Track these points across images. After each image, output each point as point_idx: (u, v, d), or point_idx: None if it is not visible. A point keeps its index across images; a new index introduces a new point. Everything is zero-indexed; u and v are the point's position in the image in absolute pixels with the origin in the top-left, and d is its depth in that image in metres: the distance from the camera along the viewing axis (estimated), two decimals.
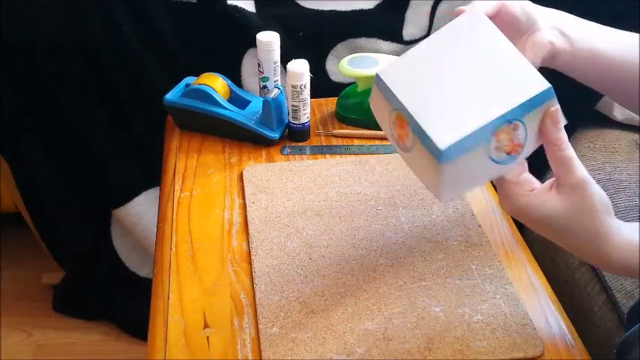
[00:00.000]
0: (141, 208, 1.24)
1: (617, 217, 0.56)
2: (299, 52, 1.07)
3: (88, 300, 1.40)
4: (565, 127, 0.58)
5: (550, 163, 0.57)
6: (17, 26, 1.11)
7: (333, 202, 0.82)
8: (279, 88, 0.94)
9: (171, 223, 0.80)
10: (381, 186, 0.85)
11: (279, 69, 0.97)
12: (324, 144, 0.95)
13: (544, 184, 0.57)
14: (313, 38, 1.21)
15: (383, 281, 0.71)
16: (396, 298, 0.69)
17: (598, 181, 0.57)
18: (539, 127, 0.56)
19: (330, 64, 1.23)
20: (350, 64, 0.96)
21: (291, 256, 0.74)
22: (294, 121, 0.93)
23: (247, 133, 0.93)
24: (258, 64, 0.96)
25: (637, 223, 0.57)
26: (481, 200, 0.84)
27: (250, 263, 0.74)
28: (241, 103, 0.96)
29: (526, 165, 0.60)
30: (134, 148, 1.21)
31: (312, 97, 0.94)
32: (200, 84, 0.94)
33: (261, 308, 0.68)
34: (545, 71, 0.62)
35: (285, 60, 0.94)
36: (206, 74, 0.96)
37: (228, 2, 1.17)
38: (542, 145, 0.58)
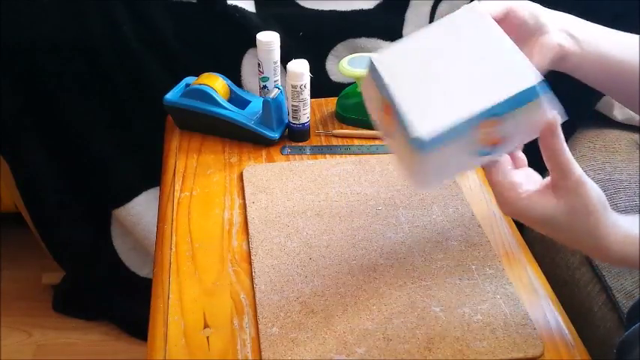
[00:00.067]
0: (141, 208, 1.24)
1: None
2: (299, 52, 1.07)
3: (88, 300, 1.40)
4: (565, 127, 0.58)
5: (547, 165, 0.57)
6: (17, 26, 1.11)
7: (333, 202, 0.82)
8: (279, 88, 0.94)
9: (171, 223, 0.80)
10: (381, 186, 0.85)
11: (279, 69, 0.97)
12: (324, 144, 0.95)
13: (540, 186, 0.58)
14: (313, 38, 1.21)
15: (383, 281, 0.71)
16: (396, 298, 0.69)
17: (598, 181, 0.57)
18: (529, 123, 0.56)
19: (330, 64, 1.22)
20: (350, 64, 0.96)
21: (291, 256, 0.74)
22: (294, 121, 0.93)
23: (247, 133, 0.93)
24: (258, 64, 0.96)
25: (636, 216, 0.57)
26: (481, 200, 0.84)
27: (250, 263, 0.74)
28: (241, 103, 0.96)
29: (525, 160, 0.61)
30: (134, 148, 1.21)
31: (312, 97, 0.94)
32: (200, 84, 0.94)
33: (261, 308, 0.68)
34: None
35: (285, 60, 0.94)
36: (206, 74, 0.96)
37: (228, 2, 1.17)
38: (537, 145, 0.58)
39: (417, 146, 0.55)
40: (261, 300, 0.69)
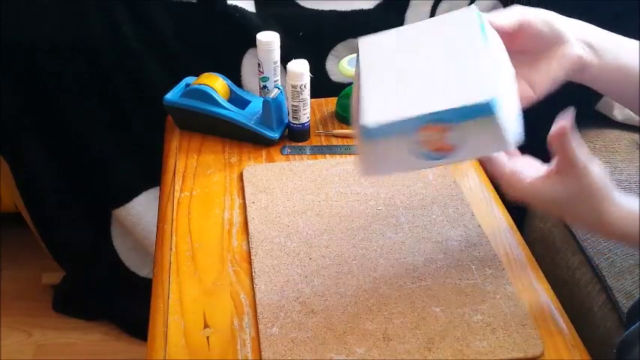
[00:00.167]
0: (141, 208, 1.24)
1: None
2: (299, 52, 1.07)
3: (88, 300, 1.40)
4: None
5: (554, 152, 0.58)
6: (17, 26, 1.11)
7: (333, 202, 0.82)
8: (279, 88, 0.94)
9: (171, 223, 0.80)
10: (381, 186, 0.85)
11: (279, 69, 0.97)
12: (324, 144, 0.95)
13: (545, 170, 0.59)
14: (313, 38, 1.21)
15: (383, 281, 0.71)
16: (396, 298, 0.69)
17: None
18: (481, 138, 0.55)
19: (330, 64, 1.23)
20: (350, 64, 0.96)
21: (291, 256, 0.74)
22: (294, 121, 0.93)
23: (247, 133, 0.93)
24: (258, 64, 0.96)
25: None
26: (481, 200, 0.84)
27: (250, 263, 0.74)
28: (241, 103, 0.96)
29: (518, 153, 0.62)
30: (134, 148, 1.21)
31: (312, 97, 0.94)
32: (200, 84, 0.94)
33: (261, 308, 0.68)
34: None
35: (285, 60, 0.94)
36: (206, 74, 0.96)
37: (228, 2, 1.17)
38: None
39: (361, 133, 0.56)
40: (261, 300, 0.69)
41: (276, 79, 0.97)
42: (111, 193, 1.24)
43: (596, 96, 1.15)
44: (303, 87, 0.90)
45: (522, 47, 0.63)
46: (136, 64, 1.15)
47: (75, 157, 1.21)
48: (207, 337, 0.66)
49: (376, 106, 0.56)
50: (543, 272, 0.74)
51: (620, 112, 1.16)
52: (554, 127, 0.56)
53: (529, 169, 0.60)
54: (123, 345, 1.36)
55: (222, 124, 0.93)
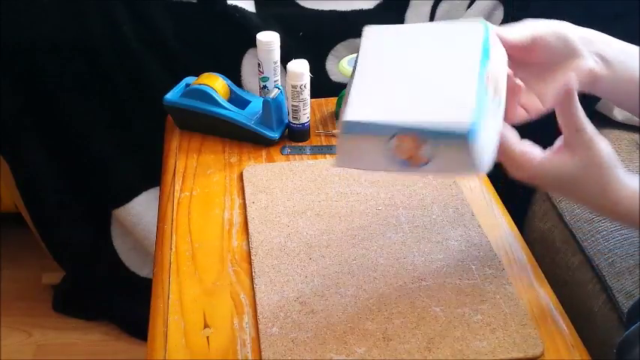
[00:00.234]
0: (141, 208, 1.24)
1: None
2: (299, 52, 1.07)
3: (88, 300, 1.40)
4: None
5: (560, 123, 0.58)
6: (17, 26, 1.11)
7: (333, 202, 0.82)
8: (279, 88, 0.94)
9: (171, 223, 0.80)
10: (381, 186, 0.85)
11: (279, 69, 0.97)
12: (324, 144, 0.95)
13: (553, 147, 0.59)
14: (313, 38, 1.21)
15: (383, 281, 0.71)
16: (396, 298, 0.69)
17: None
18: (454, 158, 0.55)
19: (330, 64, 1.23)
20: (350, 64, 0.96)
21: (291, 256, 0.74)
22: (294, 121, 0.93)
23: (247, 133, 0.93)
24: (258, 64, 0.96)
25: None
26: (481, 200, 0.84)
27: (250, 263, 0.74)
28: (241, 103, 0.96)
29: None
30: (134, 148, 1.21)
31: (312, 97, 0.94)
32: (200, 84, 0.94)
33: (261, 308, 0.68)
34: None
35: (285, 60, 0.95)
36: (206, 74, 0.96)
37: (228, 2, 1.17)
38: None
39: (341, 126, 0.57)
40: (261, 300, 0.69)
41: (276, 79, 0.97)
42: (111, 193, 1.24)
43: (596, 96, 1.15)
44: (303, 87, 0.90)
45: (535, 60, 0.64)
46: (136, 64, 1.15)
47: (75, 157, 1.21)
48: (207, 337, 0.66)
49: (360, 103, 0.57)
50: (543, 272, 0.74)
51: (620, 112, 1.15)
52: (559, 90, 0.56)
53: (537, 149, 0.60)
54: (123, 345, 1.36)
55: (222, 124, 0.93)
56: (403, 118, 0.55)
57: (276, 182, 0.86)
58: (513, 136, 0.60)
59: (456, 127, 0.52)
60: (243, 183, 0.86)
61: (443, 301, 0.69)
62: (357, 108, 0.57)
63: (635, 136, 1.10)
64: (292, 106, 0.92)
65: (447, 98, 0.55)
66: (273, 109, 0.91)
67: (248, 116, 0.93)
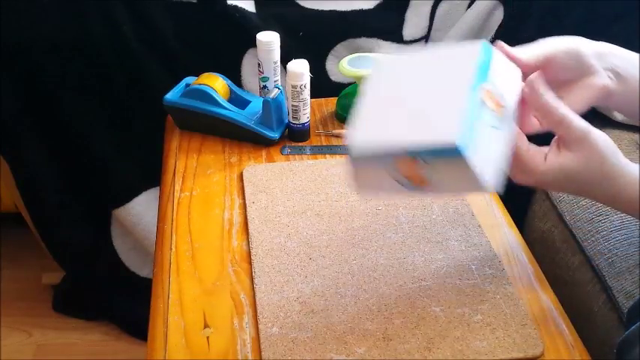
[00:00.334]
0: (141, 208, 1.24)
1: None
2: (299, 52, 1.07)
3: (88, 300, 1.40)
4: None
5: (548, 126, 0.59)
6: (17, 26, 1.11)
7: (333, 202, 0.82)
8: (279, 88, 0.94)
9: (171, 223, 0.80)
10: None
11: (279, 69, 0.97)
12: (324, 144, 0.95)
13: (551, 147, 0.60)
14: (313, 38, 1.21)
15: (383, 281, 0.71)
16: (396, 298, 0.69)
17: None
18: (455, 177, 0.56)
19: (330, 64, 1.23)
20: (350, 64, 0.96)
21: (291, 256, 0.74)
22: (294, 121, 0.93)
23: (247, 133, 0.93)
24: (258, 64, 0.96)
25: None
26: (481, 200, 0.84)
27: (250, 263, 0.74)
28: (241, 103, 0.96)
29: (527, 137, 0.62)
30: (134, 148, 1.21)
31: (312, 97, 0.94)
32: (200, 84, 0.94)
33: (261, 308, 0.68)
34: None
35: (285, 60, 0.95)
36: (206, 74, 0.96)
37: (228, 2, 1.17)
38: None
39: (348, 155, 0.59)
40: (261, 300, 0.69)
41: (276, 79, 0.97)
42: (111, 193, 1.24)
43: None
44: (303, 87, 0.90)
45: (550, 77, 0.64)
46: (136, 64, 1.15)
47: (75, 157, 1.21)
48: (207, 337, 0.66)
49: (364, 130, 0.60)
50: (543, 272, 0.74)
51: (620, 113, 1.15)
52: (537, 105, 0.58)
53: (542, 154, 0.61)
54: (123, 345, 1.36)
55: (222, 124, 0.93)
56: (395, 143, 0.56)
57: (276, 182, 0.86)
58: (523, 144, 0.60)
59: (442, 142, 0.54)
60: (243, 183, 0.86)
61: (443, 301, 0.69)
62: (361, 136, 0.59)
63: (635, 136, 1.10)
64: (292, 106, 0.92)
65: (437, 118, 0.56)
66: (273, 109, 0.91)
67: (248, 116, 0.93)
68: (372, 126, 0.60)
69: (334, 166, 0.89)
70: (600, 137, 0.58)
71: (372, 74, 0.64)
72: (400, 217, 0.80)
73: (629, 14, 1.06)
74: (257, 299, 0.69)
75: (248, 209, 0.81)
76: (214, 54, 1.18)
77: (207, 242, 0.77)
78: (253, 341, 0.65)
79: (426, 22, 1.24)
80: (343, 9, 1.24)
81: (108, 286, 1.36)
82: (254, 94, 1.01)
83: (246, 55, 1.18)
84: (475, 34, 1.17)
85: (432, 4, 1.24)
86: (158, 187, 0.91)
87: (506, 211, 0.83)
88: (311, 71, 0.91)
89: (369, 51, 1.21)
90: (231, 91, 0.96)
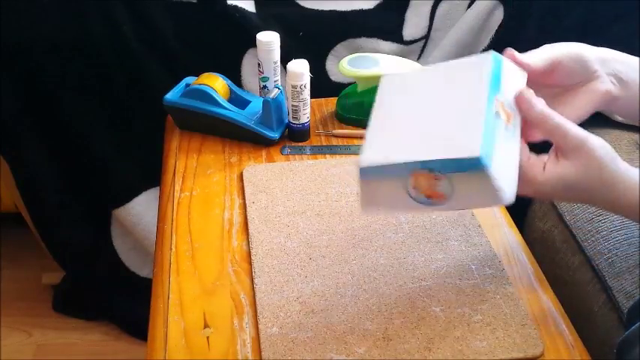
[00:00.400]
0: (141, 208, 1.24)
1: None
2: (299, 52, 1.07)
3: (88, 300, 1.40)
4: None
5: (545, 137, 0.60)
6: (17, 26, 1.11)
7: (333, 202, 0.82)
8: (279, 88, 0.94)
9: (171, 223, 0.80)
10: None
11: (279, 69, 0.97)
12: (324, 144, 0.95)
13: (549, 156, 0.60)
14: (313, 38, 1.21)
15: (383, 281, 0.71)
16: (396, 298, 0.69)
17: None
18: (474, 190, 0.55)
19: (330, 64, 1.23)
20: (350, 64, 0.96)
21: (291, 256, 0.74)
22: (294, 121, 0.93)
23: (247, 133, 0.93)
24: (258, 64, 0.96)
25: None
26: None
27: (250, 263, 0.74)
28: (241, 103, 0.96)
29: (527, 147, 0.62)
30: (134, 148, 1.21)
31: (312, 97, 0.94)
32: (200, 84, 0.94)
33: (261, 308, 0.68)
34: None
35: (285, 60, 0.95)
36: (206, 74, 0.96)
37: (228, 2, 1.17)
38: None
39: (359, 172, 0.59)
40: (261, 300, 0.69)
41: (276, 79, 0.97)
42: (111, 193, 1.24)
43: None
44: (303, 87, 0.90)
45: (554, 82, 0.65)
46: (136, 64, 1.15)
47: (75, 157, 1.21)
48: (207, 337, 0.66)
49: (375, 147, 0.59)
50: (543, 272, 0.74)
51: (623, 117, 1.15)
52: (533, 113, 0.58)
53: (540, 163, 0.61)
54: (123, 345, 1.36)
55: (222, 124, 0.93)
56: (414, 155, 0.56)
57: (276, 182, 0.86)
58: (523, 153, 0.61)
59: (465, 154, 0.53)
60: (243, 183, 0.86)
61: (443, 301, 0.69)
62: (370, 153, 0.58)
63: (635, 136, 1.10)
64: (292, 106, 0.92)
65: (456, 131, 0.56)
66: (273, 109, 0.91)
67: (248, 116, 0.93)
68: (386, 139, 0.59)
69: (334, 166, 0.89)
70: (598, 144, 0.58)
71: (382, 89, 0.64)
72: (400, 217, 0.80)
73: (629, 14, 1.06)
74: (257, 299, 0.69)
75: (248, 209, 0.81)
76: (214, 54, 1.18)
77: (207, 242, 0.77)
78: (253, 341, 0.65)
79: (426, 22, 1.24)
80: (343, 9, 1.24)
81: (108, 286, 1.36)
82: (254, 94, 1.01)
83: (246, 55, 1.18)
84: (475, 34, 1.17)
85: (432, 4, 1.24)
86: (158, 187, 0.91)
87: (506, 211, 0.83)
88: (311, 71, 0.91)
89: (369, 51, 1.21)
90: (231, 91, 0.96)
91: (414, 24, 1.25)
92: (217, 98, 0.93)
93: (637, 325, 0.62)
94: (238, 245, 0.77)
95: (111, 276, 1.33)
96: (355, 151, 0.92)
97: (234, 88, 0.97)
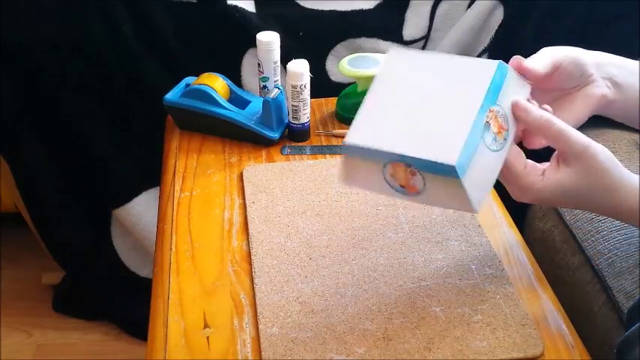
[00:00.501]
0: (141, 208, 1.24)
1: None
2: (299, 52, 1.07)
3: (88, 300, 1.40)
4: None
5: (547, 143, 0.60)
6: (17, 26, 1.11)
7: (333, 202, 0.82)
8: (279, 88, 0.94)
9: (171, 223, 0.80)
10: None
11: (279, 69, 0.97)
12: (324, 144, 0.95)
13: (550, 163, 0.60)
14: (313, 38, 1.21)
15: (383, 281, 0.71)
16: (396, 298, 0.69)
17: None
18: (445, 192, 0.57)
19: (330, 64, 1.22)
20: (350, 64, 0.96)
21: (291, 256, 0.74)
22: (294, 121, 0.93)
23: (247, 133, 0.93)
24: (258, 64, 0.96)
25: None
26: None
27: (250, 263, 0.74)
28: (241, 103, 0.96)
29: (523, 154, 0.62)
30: (134, 148, 1.21)
31: (312, 97, 0.94)
32: (200, 84, 0.94)
33: (261, 308, 0.68)
34: None
35: (285, 60, 0.95)
36: (206, 74, 0.96)
37: (228, 2, 1.17)
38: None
39: (344, 147, 0.60)
40: (261, 300, 0.69)
41: (276, 79, 0.97)
42: (111, 193, 1.24)
43: None
44: (303, 87, 0.90)
45: (552, 87, 0.65)
46: (136, 64, 1.15)
47: (75, 157, 1.21)
48: (207, 337, 0.66)
49: (362, 127, 0.60)
50: (543, 272, 0.74)
51: (619, 121, 1.15)
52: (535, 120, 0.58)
53: (539, 170, 0.61)
54: (123, 345, 1.36)
55: (222, 124, 0.93)
56: (395, 146, 0.57)
57: (276, 182, 0.86)
58: (518, 162, 0.60)
59: (442, 160, 0.54)
60: (243, 183, 0.86)
61: (443, 301, 0.69)
62: (358, 132, 0.60)
63: (635, 136, 1.10)
64: (292, 106, 0.92)
65: (440, 134, 0.57)
66: (273, 109, 0.91)
67: (248, 116, 0.93)
68: (376, 121, 0.60)
69: (334, 166, 0.89)
70: (600, 150, 0.58)
71: (386, 66, 0.64)
72: (400, 217, 0.80)
73: (629, 14, 1.06)
74: (257, 299, 0.69)
75: (248, 209, 0.81)
76: (214, 54, 1.18)
77: (207, 242, 0.77)
78: (253, 341, 0.65)
79: (426, 22, 1.24)
80: (343, 9, 1.24)
81: (108, 286, 1.36)
82: (254, 94, 1.01)
83: (246, 55, 1.18)
84: (475, 34, 1.17)
85: (432, 4, 1.24)
86: (158, 187, 0.91)
87: (506, 211, 0.83)
88: (311, 71, 0.91)
89: (369, 51, 1.21)
90: (231, 91, 0.96)
91: (414, 24, 1.25)
92: (217, 98, 0.93)
93: (637, 325, 0.62)
94: (238, 245, 0.77)
95: (111, 276, 1.33)
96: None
97: (234, 88, 0.97)
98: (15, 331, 1.39)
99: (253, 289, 0.70)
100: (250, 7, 1.23)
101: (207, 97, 0.92)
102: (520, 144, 0.63)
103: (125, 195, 1.23)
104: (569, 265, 0.96)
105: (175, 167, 0.90)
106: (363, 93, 0.96)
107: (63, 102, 1.15)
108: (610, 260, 0.88)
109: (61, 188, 1.23)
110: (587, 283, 0.91)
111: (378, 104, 0.61)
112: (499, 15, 1.14)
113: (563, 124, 0.58)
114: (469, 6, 1.19)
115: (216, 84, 0.94)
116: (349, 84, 1.03)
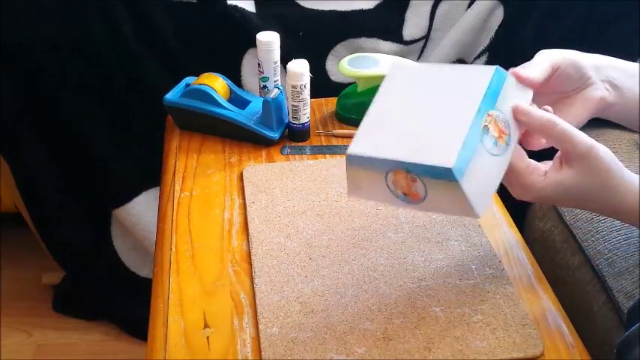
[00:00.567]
0: (141, 208, 1.24)
1: None
2: (299, 52, 1.07)
3: (88, 300, 1.40)
4: None
5: (552, 144, 0.60)
6: (17, 26, 1.11)
7: (333, 202, 0.82)
8: (279, 88, 0.94)
9: (171, 223, 0.80)
10: None
11: (279, 69, 0.97)
12: (324, 144, 0.95)
13: (553, 163, 0.60)
14: (313, 38, 1.21)
15: (383, 281, 0.71)
16: (396, 298, 0.69)
17: None
18: (446, 197, 0.57)
19: (330, 64, 1.23)
20: (350, 64, 0.96)
21: (291, 256, 0.74)
22: (294, 121, 0.93)
23: (247, 133, 0.93)
24: (258, 64, 0.96)
25: None
26: None
27: (250, 263, 0.74)
28: (241, 103, 0.96)
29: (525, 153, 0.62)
30: (134, 148, 1.21)
31: (312, 97, 0.94)
32: (200, 84, 0.94)
33: (261, 308, 0.68)
34: None
35: (285, 60, 0.95)
36: (206, 74, 0.96)
37: (228, 2, 1.17)
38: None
39: (346, 158, 0.61)
40: (261, 300, 0.69)
41: (276, 79, 0.97)
42: (111, 193, 1.24)
43: None
44: (303, 87, 0.90)
45: (551, 90, 0.65)
46: (136, 64, 1.15)
47: (75, 157, 1.21)
48: (207, 337, 0.66)
49: (364, 138, 0.61)
50: (543, 272, 0.74)
51: (619, 123, 1.15)
52: (537, 122, 0.58)
53: (541, 170, 0.61)
54: (123, 345, 1.36)
55: (222, 124, 0.93)
56: (394, 154, 0.58)
57: (276, 182, 0.86)
58: (521, 161, 0.61)
59: (438, 164, 0.55)
60: (243, 183, 0.86)
61: (443, 301, 0.69)
62: (360, 142, 0.60)
63: (635, 136, 1.10)
64: (292, 106, 0.92)
65: (437, 139, 0.57)
66: (273, 109, 0.91)
67: (248, 116, 0.93)
68: (376, 133, 0.61)
69: (334, 166, 0.89)
70: (603, 151, 0.58)
71: (386, 82, 0.65)
72: (400, 217, 0.80)
73: (629, 14, 1.06)
74: (257, 299, 0.69)
75: (248, 209, 0.81)
76: (214, 54, 1.18)
77: (207, 242, 0.77)
78: (253, 341, 0.65)
79: (426, 22, 1.24)
80: (343, 9, 1.24)
81: (108, 286, 1.36)
82: (254, 94, 1.01)
83: (246, 55, 1.18)
84: (475, 34, 1.17)
85: (432, 4, 1.24)
86: (158, 187, 0.91)
87: (506, 211, 0.83)
88: (311, 71, 0.91)
89: (369, 51, 1.21)
90: (231, 91, 0.96)
91: (414, 24, 1.25)
92: (217, 98, 0.93)
93: (637, 325, 0.62)
94: (238, 245, 0.77)
95: (111, 276, 1.33)
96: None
97: (234, 88, 0.97)
98: (15, 331, 1.39)
99: (253, 289, 0.71)
100: (250, 7, 1.23)
101: (207, 97, 0.92)
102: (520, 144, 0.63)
103: (125, 195, 1.23)
104: (569, 265, 0.96)
105: (175, 167, 0.90)
106: (363, 93, 0.96)
107: (63, 102, 1.15)
108: (610, 260, 0.88)
109: (61, 188, 1.23)
110: (587, 283, 0.91)
111: (378, 117, 0.62)
112: (499, 15, 1.14)
113: (566, 125, 0.58)
114: (469, 6, 1.19)
115: (216, 84, 0.94)
116: (349, 84, 1.03)
